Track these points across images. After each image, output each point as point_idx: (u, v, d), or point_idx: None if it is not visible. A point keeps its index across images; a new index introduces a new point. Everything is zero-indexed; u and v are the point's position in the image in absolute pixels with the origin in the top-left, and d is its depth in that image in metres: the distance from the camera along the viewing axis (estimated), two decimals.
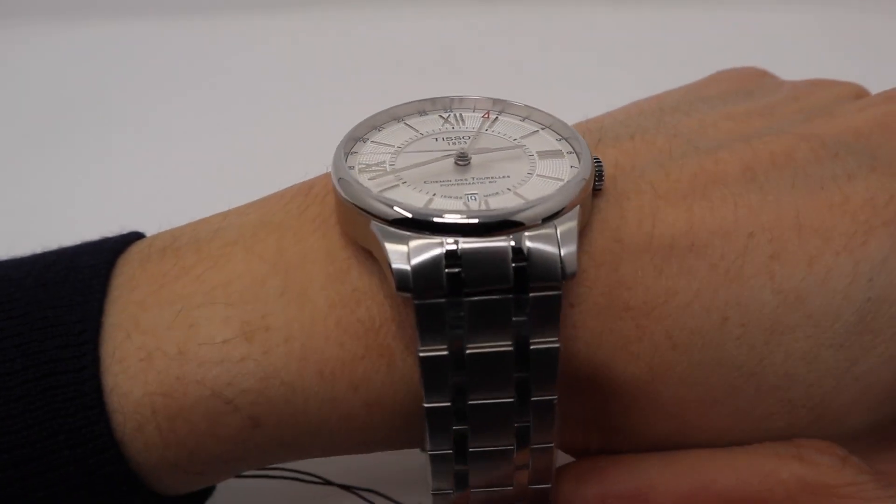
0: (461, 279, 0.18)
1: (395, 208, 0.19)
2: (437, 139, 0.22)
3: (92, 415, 0.19)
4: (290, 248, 0.21)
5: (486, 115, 0.23)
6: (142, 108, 0.50)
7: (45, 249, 0.23)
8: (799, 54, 0.27)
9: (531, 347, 0.19)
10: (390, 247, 0.18)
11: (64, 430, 0.19)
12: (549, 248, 0.18)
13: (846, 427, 0.21)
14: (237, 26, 0.57)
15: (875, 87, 0.26)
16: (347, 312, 0.20)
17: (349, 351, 0.20)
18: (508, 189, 0.20)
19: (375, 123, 0.22)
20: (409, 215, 0.18)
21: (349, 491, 0.28)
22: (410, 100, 0.23)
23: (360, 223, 0.19)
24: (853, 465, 0.20)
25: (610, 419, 0.21)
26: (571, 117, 0.23)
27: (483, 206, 0.19)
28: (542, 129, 0.22)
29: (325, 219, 0.21)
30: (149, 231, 0.23)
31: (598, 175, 0.20)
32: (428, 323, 0.18)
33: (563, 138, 0.22)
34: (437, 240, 0.18)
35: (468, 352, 0.19)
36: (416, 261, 0.18)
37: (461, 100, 0.23)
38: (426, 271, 0.18)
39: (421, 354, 0.19)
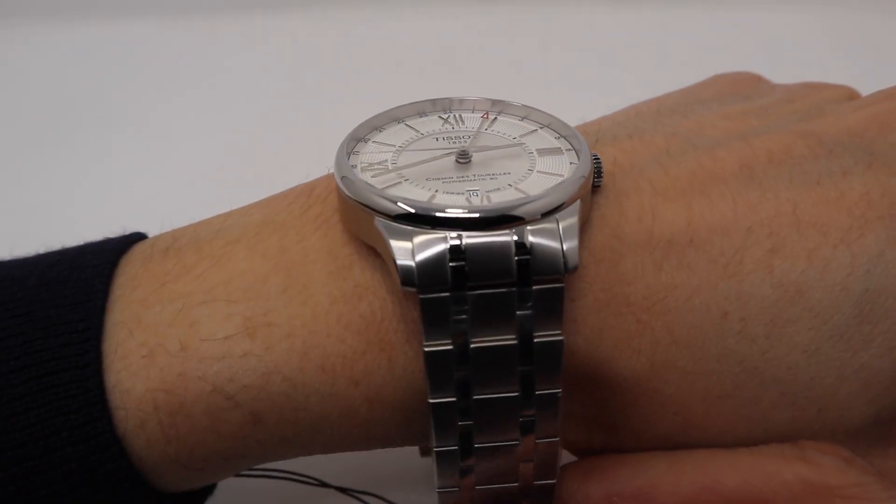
0: (465, 273, 0.18)
1: (399, 204, 0.19)
2: (437, 139, 0.22)
3: (94, 412, 0.19)
4: (292, 246, 0.21)
5: (486, 116, 0.23)
6: (143, 108, 0.50)
7: (48, 249, 0.23)
8: (797, 55, 0.27)
9: (535, 341, 0.19)
10: (395, 243, 0.19)
11: (66, 428, 0.19)
12: (551, 242, 0.18)
13: (849, 420, 0.21)
14: (237, 26, 0.57)
15: (873, 88, 0.26)
16: (349, 308, 0.20)
17: (350, 346, 0.20)
18: (509, 185, 0.20)
19: (376, 124, 0.23)
20: (413, 210, 0.19)
21: (346, 493, 0.27)
22: (410, 100, 0.23)
23: (363, 220, 0.19)
24: (857, 466, 0.20)
25: (612, 416, 0.21)
26: (571, 118, 0.23)
27: (485, 202, 0.19)
28: (541, 127, 0.23)
29: (326, 218, 0.21)
30: (150, 231, 0.24)
31: (598, 172, 0.21)
32: (432, 317, 0.19)
33: (562, 136, 0.22)
34: (440, 234, 0.18)
35: (472, 346, 0.19)
36: (420, 257, 0.18)
37: (460, 101, 0.23)
38: (430, 266, 0.18)
39: (426, 349, 0.19)
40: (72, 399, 0.19)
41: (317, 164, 0.23)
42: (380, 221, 0.19)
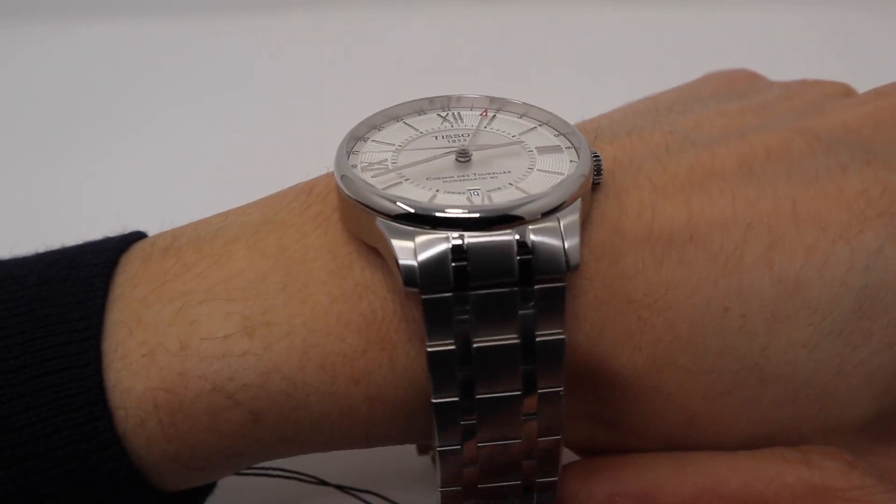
0: (467, 273, 0.18)
1: (401, 204, 0.19)
2: (436, 137, 0.22)
3: (95, 411, 0.19)
4: (291, 245, 0.21)
5: (484, 113, 0.23)
6: (142, 107, 0.50)
7: (48, 249, 0.23)
8: (795, 55, 0.27)
9: (537, 340, 0.19)
10: (397, 243, 0.19)
11: (67, 427, 0.19)
12: (552, 241, 0.19)
13: (850, 418, 0.21)
14: (237, 26, 0.57)
15: (869, 87, 0.26)
16: (349, 307, 0.20)
17: (350, 345, 0.20)
18: (510, 184, 0.20)
19: (375, 123, 0.22)
20: (415, 211, 0.19)
21: (346, 492, 0.28)
22: (410, 99, 0.23)
23: (364, 220, 0.19)
24: (860, 469, 0.20)
25: (613, 414, 0.21)
26: (570, 117, 0.23)
27: (486, 201, 0.19)
28: (540, 125, 0.23)
29: (326, 216, 0.21)
30: (150, 230, 0.24)
31: (597, 169, 0.21)
32: (435, 317, 0.19)
33: (562, 134, 0.22)
34: (442, 234, 0.18)
35: (475, 346, 0.19)
36: (422, 256, 0.18)
37: (458, 98, 0.23)
38: (433, 266, 0.18)
39: (428, 350, 0.19)
40: (72, 398, 0.19)
41: (316, 162, 0.23)
42: (381, 222, 0.19)
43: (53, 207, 0.43)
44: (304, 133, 0.42)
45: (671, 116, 0.24)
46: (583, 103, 0.26)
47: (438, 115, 0.23)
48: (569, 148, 0.21)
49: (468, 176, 0.21)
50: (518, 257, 0.18)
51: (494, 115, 0.23)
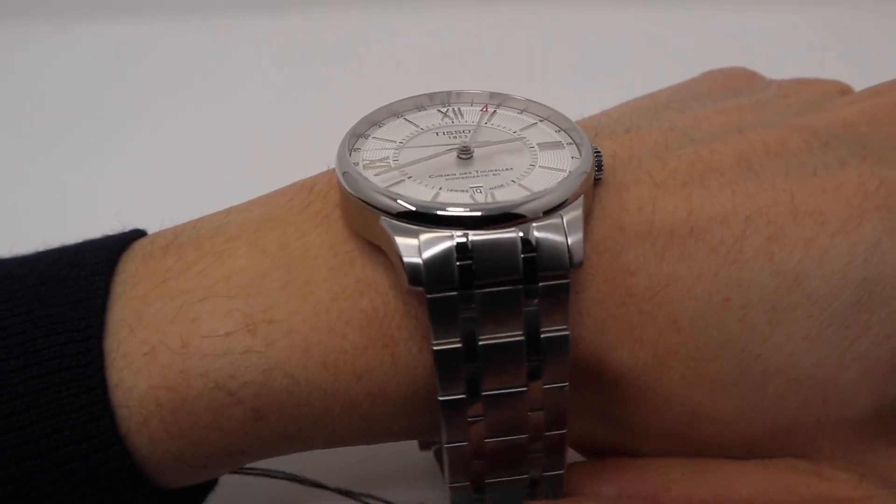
0: (472, 271, 0.18)
1: (403, 202, 0.19)
2: (437, 133, 0.22)
3: (96, 410, 0.19)
4: (292, 242, 0.21)
5: (485, 109, 0.23)
6: (141, 107, 0.50)
7: (47, 247, 0.23)
8: (794, 55, 0.27)
9: (542, 336, 0.19)
10: (401, 241, 0.19)
11: (68, 426, 0.19)
12: (556, 238, 0.19)
13: (852, 411, 0.21)
14: (236, 26, 0.57)
15: (866, 86, 0.26)
16: (350, 304, 0.20)
17: (352, 342, 0.20)
18: (513, 181, 0.20)
19: (375, 119, 0.22)
20: (420, 209, 0.19)
21: (348, 496, 0.28)
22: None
23: (367, 218, 0.19)
24: (871, 480, 0.20)
25: (616, 409, 0.21)
26: (569, 115, 0.23)
27: (489, 199, 0.19)
28: (541, 120, 0.23)
29: (327, 214, 0.21)
30: (150, 229, 0.24)
31: (598, 165, 0.21)
32: (440, 316, 0.19)
33: (562, 129, 0.22)
34: (446, 233, 0.18)
35: (481, 343, 0.19)
36: (427, 254, 0.18)
37: (458, 94, 0.23)
38: (437, 264, 0.18)
39: (434, 348, 0.19)
40: (73, 398, 0.19)
41: (316, 161, 0.23)
42: (385, 220, 0.19)
43: (53, 206, 0.42)
44: (304, 132, 0.42)
45: (669, 114, 0.24)
46: (582, 103, 0.26)
47: (439, 110, 0.23)
48: (570, 144, 0.22)
49: (470, 173, 0.21)
50: (522, 255, 0.18)
51: (495, 111, 0.23)
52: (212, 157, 0.45)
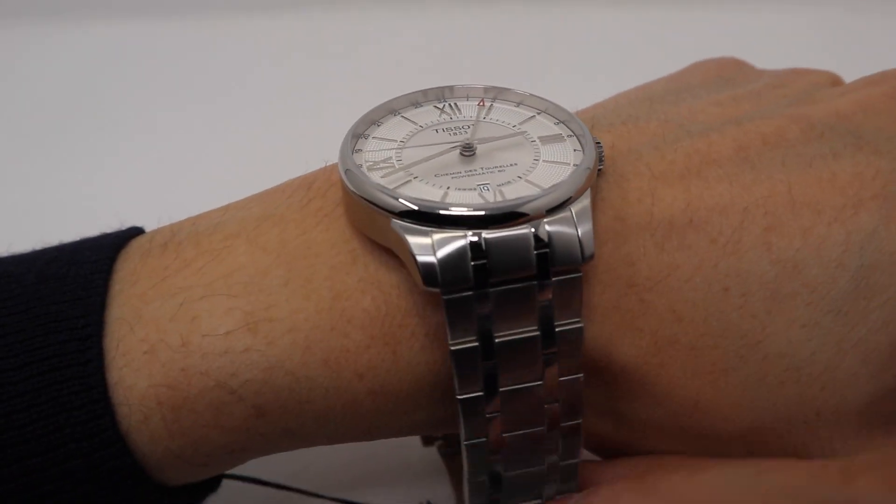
0: (486, 270, 0.18)
1: (414, 204, 0.19)
2: (437, 131, 0.22)
3: (97, 409, 0.19)
4: (293, 239, 0.21)
5: (481, 103, 0.23)
6: (139, 105, 0.50)
7: (45, 246, 0.22)
8: (793, 55, 0.28)
9: (556, 329, 0.19)
10: (413, 240, 0.19)
11: (70, 425, 0.19)
12: (568, 233, 0.19)
13: (851, 399, 0.21)
14: (235, 26, 0.57)
15: None
16: (353, 303, 0.20)
17: (354, 340, 0.20)
18: (519, 177, 0.20)
19: (374, 118, 0.22)
20: (432, 210, 0.19)
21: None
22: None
23: (376, 220, 0.19)
24: (868, 479, 0.21)
25: (618, 403, 0.21)
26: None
27: (499, 196, 0.20)
28: (539, 113, 0.23)
29: (327, 212, 0.21)
30: (148, 226, 0.23)
31: (600, 157, 0.21)
32: (456, 316, 0.19)
33: (561, 122, 0.22)
34: (459, 232, 0.19)
35: (497, 340, 0.19)
36: (441, 253, 0.18)
37: (452, 88, 0.23)
38: (452, 264, 0.18)
39: (452, 348, 0.19)
40: (74, 396, 0.19)
41: (315, 160, 0.23)
42: (397, 223, 0.19)
43: (51, 204, 0.42)
44: (303, 131, 0.41)
45: (665, 106, 0.25)
46: (581, 102, 0.26)
47: (435, 106, 0.23)
48: (570, 136, 0.22)
49: (475, 170, 0.21)
50: (535, 251, 0.19)
51: (492, 105, 0.23)
52: (209, 155, 0.45)
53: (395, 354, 0.20)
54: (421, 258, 0.18)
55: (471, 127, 0.22)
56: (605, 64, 0.48)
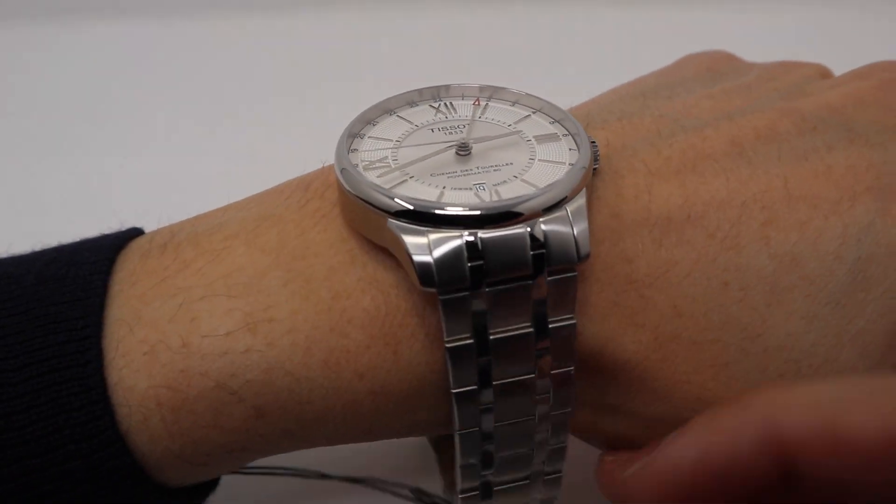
0: (483, 270, 0.19)
1: (410, 204, 0.19)
2: (432, 130, 0.22)
3: (97, 409, 0.19)
4: (291, 240, 0.21)
5: (477, 102, 0.23)
6: (138, 105, 0.50)
7: (44, 247, 0.22)
8: (791, 54, 0.28)
9: (550, 326, 0.20)
10: (409, 239, 0.19)
11: (69, 426, 0.19)
12: (564, 233, 0.19)
13: None
14: (235, 26, 0.57)
15: None
16: (352, 303, 0.20)
17: (354, 341, 0.20)
18: (515, 176, 0.20)
19: (369, 118, 0.22)
20: (428, 210, 0.19)
21: (354, 482, 0.28)
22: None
23: (372, 220, 0.20)
24: None
25: (619, 398, 0.22)
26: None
27: (495, 196, 0.20)
28: (534, 112, 0.23)
29: (325, 213, 0.21)
30: (147, 226, 0.23)
31: (595, 156, 0.21)
32: (452, 315, 0.19)
33: (556, 121, 0.22)
34: (455, 232, 0.19)
35: (492, 337, 0.19)
36: (437, 252, 0.18)
37: (447, 88, 0.23)
38: (448, 263, 0.18)
39: (447, 345, 0.19)
40: (73, 397, 0.19)
41: (314, 160, 0.23)
42: (393, 223, 0.19)
43: (50, 205, 0.42)
44: (301, 130, 0.42)
45: (658, 101, 0.25)
46: (576, 99, 0.26)
47: (431, 105, 0.23)
48: (566, 135, 0.22)
49: (471, 170, 0.21)
50: (531, 252, 0.19)
51: (487, 104, 0.23)
52: (208, 155, 0.45)
53: (395, 354, 0.20)
54: (417, 258, 0.19)
55: (466, 126, 0.22)
56: (600, 61, 0.49)
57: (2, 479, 0.19)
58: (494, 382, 0.20)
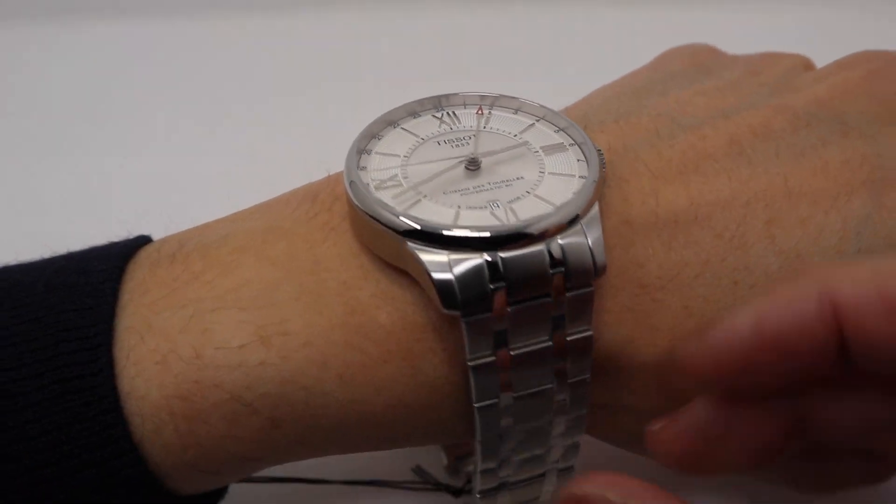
0: (504, 290, 0.19)
1: (427, 228, 0.19)
2: (438, 143, 0.22)
3: (109, 419, 0.19)
4: (301, 254, 0.21)
5: (480, 111, 0.23)
6: (141, 108, 0.49)
7: (45, 247, 0.22)
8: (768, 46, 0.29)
9: (568, 339, 0.20)
10: (427, 258, 0.19)
11: (83, 436, 0.19)
12: (581, 249, 0.19)
13: None
14: (236, 26, 0.56)
15: None
16: (367, 318, 0.20)
17: (371, 356, 0.20)
18: (527, 192, 0.21)
19: (373, 132, 0.22)
20: (446, 234, 0.19)
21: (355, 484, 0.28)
22: (411, 99, 0.23)
23: (389, 242, 0.20)
24: None
25: (640, 398, 0.22)
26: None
27: (510, 215, 0.20)
28: (538, 120, 0.23)
29: (334, 226, 0.21)
30: (151, 230, 0.23)
31: (601, 164, 0.21)
32: (475, 336, 0.19)
33: (561, 129, 0.22)
34: (475, 253, 0.19)
35: (513, 353, 0.20)
36: (458, 270, 0.19)
37: (448, 97, 0.23)
38: (470, 282, 0.19)
39: (470, 364, 0.19)
40: (86, 407, 0.19)
41: (314, 160, 0.23)
42: (411, 245, 0.19)
43: (50, 205, 0.41)
44: (301, 131, 0.42)
45: (652, 98, 0.25)
46: (572, 98, 0.26)
47: (434, 116, 0.23)
48: (572, 145, 0.22)
49: (483, 186, 0.21)
50: (551, 270, 0.19)
51: (490, 113, 0.23)
52: (208, 155, 0.44)
53: (413, 369, 0.20)
54: (437, 275, 0.19)
55: (472, 138, 0.22)
56: (600, 61, 0.48)
57: (16, 488, 0.19)
58: (515, 394, 0.20)
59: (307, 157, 0.24)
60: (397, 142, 0.22)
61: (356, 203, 0.20)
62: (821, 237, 0.21)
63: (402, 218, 0.19)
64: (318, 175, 0.23)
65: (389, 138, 0.22)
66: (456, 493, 0.27)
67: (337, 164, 0.22)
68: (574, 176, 0.21)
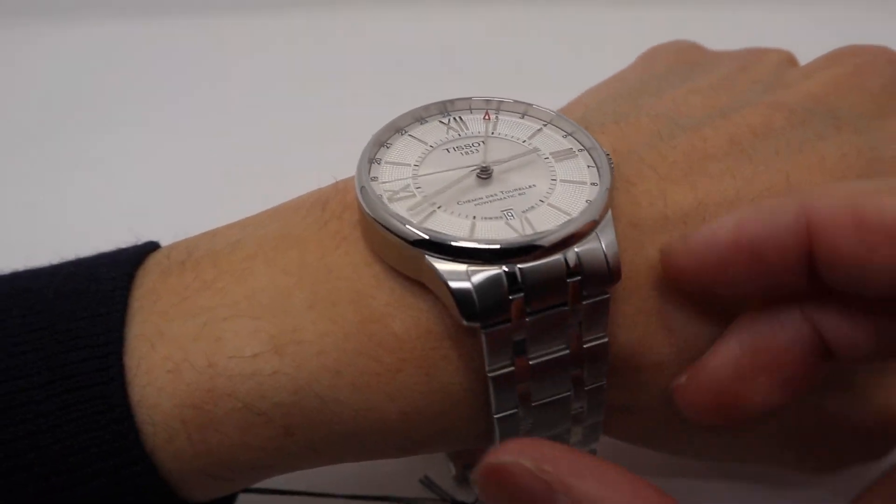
0: (523, 300, 0.19)
1: (444, 240, 0.19)
2: (448, 150, 0.22)
3: (121, 428, 0.19)
4: (313, 262, 0.21)
5: (487, 116, 0.23)
6: (144, 109, 0.49)
7: (55, 254, 0.22)
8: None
9: (585, 346, 0.20)
10: (444, 267, 0.19)
11: (95, 444, 0.19)
12: (597, 258, 0.19)
13: None
14: (236, 26, 0.56)
15: None
16: (381, 327, 0.20)
17: (385, 364, 0.20)
18: (541, 201, 0.21)
19: (381, 139, 0.22)
20: (464, 246, 0.19)
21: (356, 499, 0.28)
22: (412, 100, 0.23)
23: (405, 255, 0.20)
24: None
25: (656, 398, 0.22)
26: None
27: (526, 225, 0.20)
28: (545, 125, 0.23)
29: (345, 235, 0.21)
30: (152, 229, 0.23)
31: (610, 169, 0.21)
32: (495, 346, 0.19)
33: (569, 134, 0.22)
34: (494, 267, 0.19)
35: (532, 362, 0.20)
36: (476, 279, 0.19)
37: (453, 102, 0.23)
38: (489, 291, 0.19)
39: (490, 374, 0.20)
40: (98, 415, 0.19)
41: (315, 160, 0.23)
42: (431, 258, 0.19)
43: (50, 204, 0.41)
44: (305, 133, 0.41)
45: (648, 98, 0.25)
46: (568, 97, 0.26)
47: (440, 121, 0.23)
48: (581, 151, 0.22)
49: (496, 195, 0.21)
50: (568, 279, 0.19)
51: (497, 117, 0.23)
52: (209, 156, 0.44)
53: (428, 377, 0.20)
54: (454, 284, 0.19)
55: (481, 144, 0.22)
56: (600, 61, 0.48)
57: (28, 496, 0.19)
58: (534, 403, 0.20)
59: (307, 157, 0.23)
60: (406, 150, 0.22)
61: (370, 214, 0.20)
62: None
63: (418, 230, 0.19)
64: (323, 178, 0.23)
65: (398, 147, 0.22)
66: None
67: (342, 168, 0.22)
68: (586, 183, 0.21)
